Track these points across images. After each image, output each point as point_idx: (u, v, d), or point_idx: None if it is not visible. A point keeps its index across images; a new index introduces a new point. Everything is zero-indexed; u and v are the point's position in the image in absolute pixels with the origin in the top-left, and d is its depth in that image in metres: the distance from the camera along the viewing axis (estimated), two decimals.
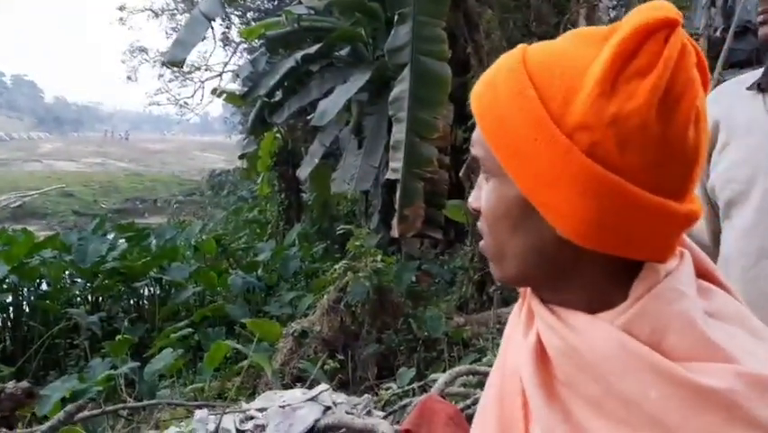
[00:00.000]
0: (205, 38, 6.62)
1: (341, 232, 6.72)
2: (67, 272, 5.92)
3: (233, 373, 3.78)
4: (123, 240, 6.69)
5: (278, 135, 7.83)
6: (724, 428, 0.49)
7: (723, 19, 5.71)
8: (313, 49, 6.19)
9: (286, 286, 6.10)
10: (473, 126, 0.60)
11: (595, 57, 0.53)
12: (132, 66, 20.60)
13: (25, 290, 5.50)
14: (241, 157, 8.62)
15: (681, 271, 0.56)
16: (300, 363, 3.75)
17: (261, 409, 2.51)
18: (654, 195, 0.51)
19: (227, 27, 16.86)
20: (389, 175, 4.89)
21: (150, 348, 4.42)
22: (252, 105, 7.02)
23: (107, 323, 5.39)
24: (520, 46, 0.59)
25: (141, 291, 6.04)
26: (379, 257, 4.28)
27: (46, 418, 3.12)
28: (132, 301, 5.97)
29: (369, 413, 2.53)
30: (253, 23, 11.71)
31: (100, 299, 5.88)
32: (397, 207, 4.85)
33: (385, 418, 2.55)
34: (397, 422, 2.41)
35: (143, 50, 20.51)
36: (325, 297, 4.26)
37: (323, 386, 2.67)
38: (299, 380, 3.61)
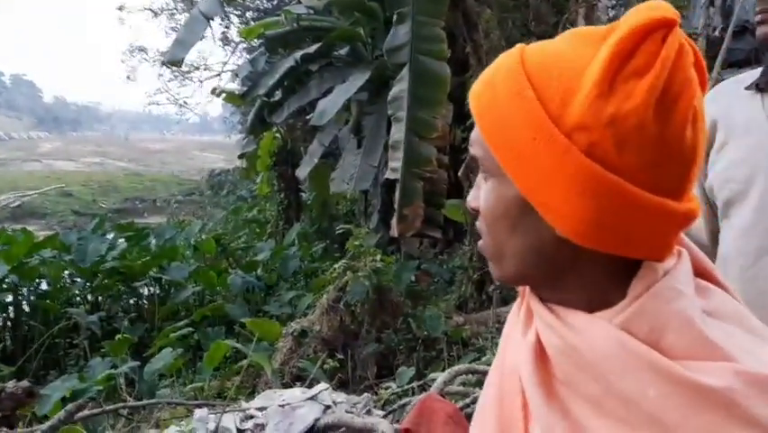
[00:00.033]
0: (203, 37, 6.62)
1: (340, 231, 6.72)
2: (66, 272, 5.92)
3: (233, 372, 3.79)
4: (123, 240, 6.70)
5: (277, 135, 7.83)
6: (723, 426, 0.49)
7: (722, 18, 5.72)
8: (312, 48, 6.19)
9: (285, 285, 6.10)
10: (472, 126, 0.61)
11: (593, 57, 0.53)
12: (131, 66, 20.61)
13: (25, 289, 5.50)
14: (240, 157, 8.62)
15: (678, 270, 0.56)
16: (300, 363, 3.75)
17: (261, 409, 2.51)
18: (653, 194, 0.52)
19: (226, 27, 16.86)
20: (389, 175, 4.89)
21: (149, 348, 4.42)
22: (252, 104, 7.01)
23: (107, 322, 5.39)
24: (518, 46, 0.60)
25: (141, 291, 6.04)
26: (378, 257, 4.29)
27: (46, 417, 3.12)
28: (131, 301, 5.97)
29: (368, 412, 2.53)
30: (252, 23, 11.71)
31: (100, 298, 5.88)
32: (396, 206, 4.85)
33: (385, 417, 2.56)
34: (397, 421, 2.41)
35: (143, 49, 20.51)
36: (325, 296, 4.26)
37: (322, 385, 2.67)
38: (299, 379, 3.61)
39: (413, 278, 4.99)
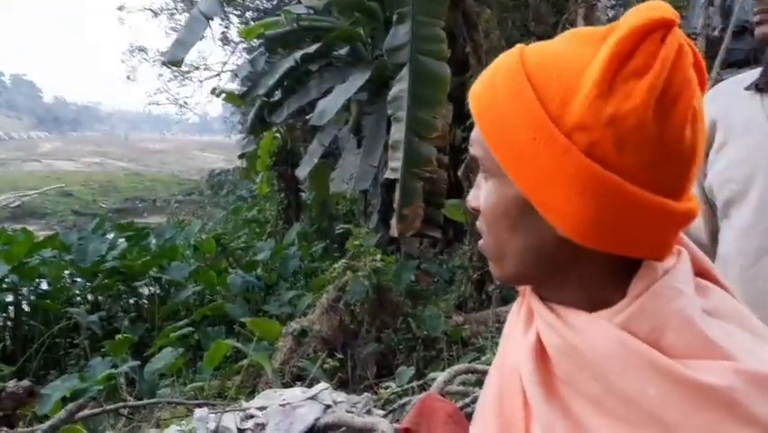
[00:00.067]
0: (203, 37, 6.62)
1: (340, 231, 6.73)
2: (66, 272, 5.92)
3: (233, 371, 3.79)
4: (123, 239, 6.70)
5: (277, 135, 7.84)
6: (723, 425, 0.49)
7: (721, 18, 5.72)
8: (312, 48, 6.19)
9: (285, 285, 6.10)
10: (472, 126, 0.61)
11: (592, 57, 0.53)
12: (131, 66, 20.62)
13: (25, 289, 5.50)
14: (240, 156, 8.62)
15: (678, 269, 0.56)
16: (300, 362, 3.76)
17: (262, 408, 2.52)
18: (653, 194, 0.52)
19: (226, 27, 16.87)
20: (388, 174, 4.90)
21: (150, 347, 4.43)
22: (252, 104, 7.02)
23: (107, 322, 5.39)
24: (518, 46, 0.60)
25: (141, 291, 6.04)
26: (378, 256, 4.29)
27: (46, 417, 3.13)
28: (131, 301, 5.97)
29: (369, 412, 2.54)
30: (252, 23, 11.71)
31: (100, 298, 5.88)
32: (396, 206, 4.85)
33: (385, 416, 2.56)
34: (397, 421, 2.41)
35: (143, 49, 20.52)
36: (325, 296, 4.27)
37: (323, 385, 2.67)
38: (299, 378, 3.62)
39: (413, 278, 5.00)
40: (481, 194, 0.61)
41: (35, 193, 17.41)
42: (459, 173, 5.34)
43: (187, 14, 13.31)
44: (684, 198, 0.55)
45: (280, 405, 2.46)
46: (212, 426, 2.38)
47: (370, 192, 6.31)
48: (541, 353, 0.58)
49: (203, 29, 6.32)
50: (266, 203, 9.75)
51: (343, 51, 6.54)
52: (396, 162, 4.78)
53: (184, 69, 16.53)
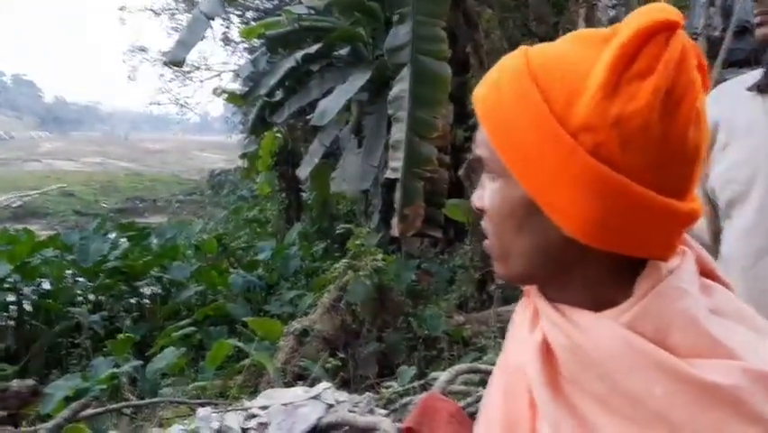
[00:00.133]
0: (204, 37, 6.62)
1: (341, 231, 6.73)
2: (69, 272, 5.93)
3: (235, 371, 3.79)
4: (125, 239, 6.71)
5: (278, 135, 7.84)
6: (729, 423, 0.49)
7: (722, 19, 5.72)
8: (313, 48, 6.19)
9: (286, 285, 6.11)
10: (473, 126, 0.61)
11: (596, 59, 0.53)
12: (132, 66, 20.64)
13: (27, 289, 5.51)
14: (242, 156, 8.63)
15: (683, 269, 0.57)
16: (301, 362, 3.76)
17: (264, 408, 2.52)
18: (658, 194, 0.52)
19: (227, 27, 16.88)
20: (389, 174, 4.90)
21: (151, 347, 4.43)
22: (253, 104, 7.02)
23: (109, 322, 5.40)
24: (521, 48, 0.60)
25: (143, 291, 6.05)
26: (379, 256, 4.30)
27: (49, 416, 3.13)
28: (133, 300, 5.98)
29: (371, 411, 2.54)
30: (253, 23, 11.72)
31: (102, 298, 5.89)
32: (397, 206, 4.86)
33: (387, 416, 2.57)
34: (399, 420, 2.42)
35: (143, 49, 20.54)
36: (326, 295, 4.27)
37: (325, 384, 2.68)
38: (300, 378, 3.62)
39: (414, 277, 5.00)
40: (486, 194, 0.61)
41: (37, 193, 17.41)
42: (460, 173, 5.34)
43: (188, 15, 13.32)
44: (688, 198, 0.55)
45: (283, 404, 2.47)
46: (215, 425, 2.39)
47: (371, 192, 6.31)
48: (547, 352, 0.59)
49: (204, 29, 6.33)
50: (267, 203, 9.76)
51: (344, 52, 6.54)
52: (396, 162, 4.79)
53: (185, 69, 16.55)
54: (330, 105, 5.68)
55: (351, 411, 2.46)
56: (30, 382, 2.96)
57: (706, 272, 0.61)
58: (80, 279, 5.96)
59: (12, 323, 5.18)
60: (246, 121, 8.97)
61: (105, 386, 3.46)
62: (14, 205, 15.62)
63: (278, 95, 6.58)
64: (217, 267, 6.24)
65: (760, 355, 0.53)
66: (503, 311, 4.15)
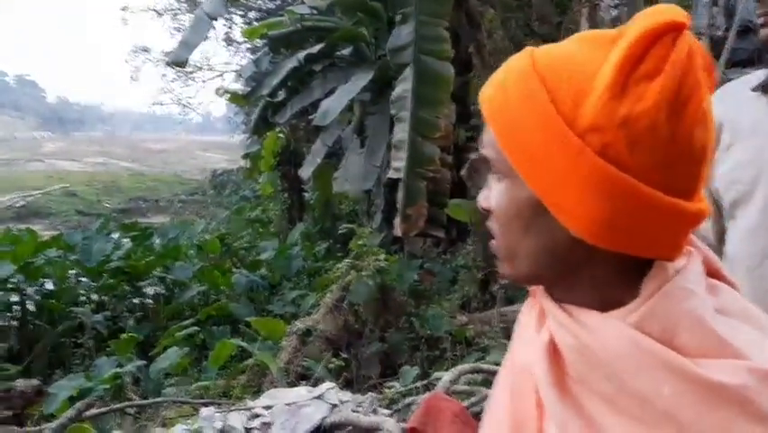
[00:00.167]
0: (207, 38, 6.63)
1: (343, 231, 6.74)
2: (72, 272, 5.94)
3: (238, 371, 3.80)
4: (128, 239, 6.72)
5: (280, 135, 7.85)
6: (737, 423, 0.50)
7: (725, 18, 5.71)
8: (315, 48, 6.20)
9: (289, 285, 6.12)
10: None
11: (603, 60, 0.54)
12: (134, 66, 20.69)
13: (30, 289, 5.52)
14: (244, 157, 8.64)
15: (689, 269, 0.57)
16: (304, 362, 3.77)
17: (267, 407, 2.53)
18: (665, 194, 0.52)
19: (229, 27, 16.90)
20: (392, 174, 4.91)
21: (154, 347, 4.44)
22: (255, 104, 7.03)
23: (112, 322, 5.41)
24: (527, 49, 0.60)
25: (146, 291, 6.06)
26: (381, 256, 4.29)
27: (53, 416, 3.14)
28: (136, 300, 5.99)
29: (374, 411, 2.54)
30: (255, 23, 11.73)
31: (104, 298, 5.90)
32: (399, 206, 4.86)
33: (390, 416, 2.57)
34: (403, 420, 2.42)
35: (146, 50, 20.58)
36: (328, 295, 4.27)
37: (329, 384, 2.68)
38: (303, 378, 3.62)
39: (416, 277, 5.00)
40: (493, 195, 0.61)
41: (40, 193, 17.45)
42: (462, 173, 5.34)
43: (190, 15, 13.34)
44: (695, 199, 0.55)
45: (286, 404, 2.47)
46: (218, 425, 2.39)
47: (374, 192, 6.32)
48: (553, 352, 0.59)
49: (207, 29, 6.34)
50: (269, 203, 9.77)
51: (347, 52, 6.55)
52: (399, 162, 4.79)
53: (188, 69, 16.59)
54: (332, 106, 5.69)
55: (354, 411, 2.47)
56: (34, 381, 2.96)
57: (712, 272, 0.61)
58: (83, 279, 5.97)
59: (15, 323, 5.19)
60: (248, 121, 8.98)
61: (108, 386, 3.46)
62: (17, 205, 15.65)
63: (281, 95, 6.59)
64: (220, 267, 6.25)
65: (766, 355, 0.53)
66: (506, 311, 4.15)
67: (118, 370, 3.69)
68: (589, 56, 0.55)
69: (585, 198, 0.53)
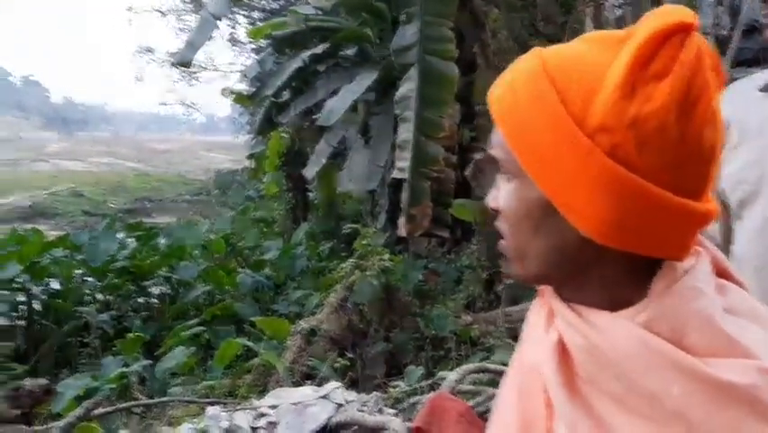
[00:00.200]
0: (211, 38, 6.65)
1: (347, 231, 6.74)
2: (78, 271, 5.96)
3: (244, 370, 3.81)
4: (133, 239, 6.74)
5: (284, 135, 7.86)
6: (746, 422, 0.50)
7: (729, 18, 5.69)
8: (320, 49, 6.20)
9: (293, 285, 6.12)
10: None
11: (612, 61, 0.54)
12: (139, 66, 20.77)
13: (36, 288, 5.55)
14: (249, 157, 8.66)
15: (698, 269, 0.57)
16: (309, 361, 3.77)
17: (273, 407, 2.53)
18: (674, 195, 0.53)
19: (233, 27, 16.94)
20: (396, 174, 4.91)
21: (160, 346, 4.45)
22: (260, 105, 7.04)
23: (118, 321, 5.42)
24: (535, 49, 0.61)
25: (151, 290, 6.08)
26: (386, 256, 4.29)
27: (60, 415, 3.15)
28: (141, 300, 6.01)
29: (380, 411, 2.55)
30: (259, 23, 11.75)
31: (110, 297, 5.92)
32: (403, 206, 4.86)
33: (395, 415, 2.57)
34: (409, 420, 2.43)
35: (150, 50, 20.64)
36: (333, 295, 4.28)
37: (334, 384, 2.69)
38: (308, 377, 3.63)
39: (421, 277, 5.00)
40: (502, 195, 0.62)
41: (46, 193, 17.51)
42: (466, 173, 5.34)
43: (195, 15, 13.36)
44: (704, 199, 0.56)
45: (292, 404, 2.48)
46: (224, 424, 2.40)
47: (378, 192, 6.32)
48: (562, 352, 0.59)
49: (212, 30, 6.35)
50: (274, 203, 9.78)
51: (351, 52, 6.55)
52: (403, 162, 4.79)
53: (192, 69, 16.63)
54: (337, 106, 5.69)
55: (360, 411, 2.47)
56: (42, 381, 2.98)
57: (720, 272, 0.61)
58: (89, 278, 5.99)
59: (21, 322, 5.21)
60: (253, 121, 9.00)
61: (114, 385, 3.48)
62: (23, 205, 15.71)
63: (285, 95, 6.59)
64: (225, 267, 6.26)
65: None
66: (511, 311, 4.15)
67: (124, 369, 3.71)
68: (598, 57, 0.55)
69: (594, 198, 0.53)
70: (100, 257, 5.84)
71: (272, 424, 2.40)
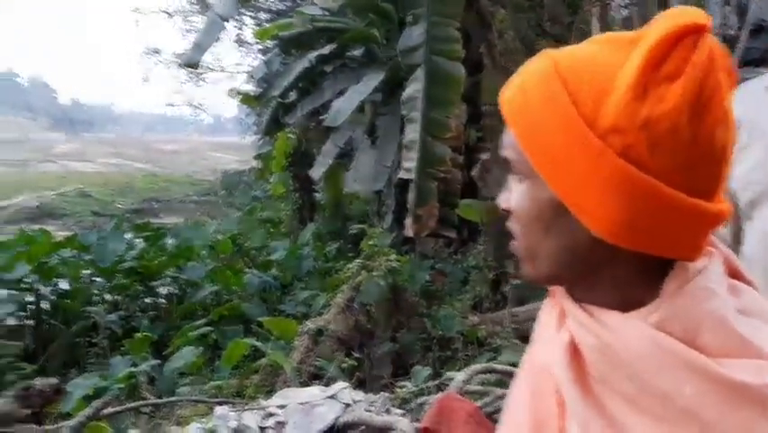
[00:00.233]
0: (218, 39, 6.66)
1: (354, 231, 6.75)
2: (86, 271, 5.99)
3: (251, 370, 3.82)
4: (141, 240, 6.76)
5: (291, 136, 7.88)
6: (759, 423, 0.50)
7: (737, 17, 5.66)
8: (326, 49, 6.22)
9: (300, 285, 6.14)
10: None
11: (623, 62, 0.54)
12: (146, 67, 20.87)
13: (45, 289, 5.58)
14: (256, 157, 8.69)
15: (710, 269, 0.57)
16: (317, 361, 3.78)
17: (281, 407, 2.54)
18: (687, 195, 0.53)
19: (240, 28, 16.99)
20: (403, 175, 4.91)
21: (168, 346, 4.47)
22: (267, 105, 7.06)
23: (126, 321, 5.45)
24: (545, 51, 0.61)
25: (159, 290, 6.10)
26: (392, 256, 4.30)
27: (69, 414, 3.17)
28: (149, 300, 6.04)
29: (387, 411, 2.55)
30: (266, 24, 11.78)
31: (118, 297, 5.94)
32: (410, 206, 4.86)
33: (403, 415, 2.57)
34: (416, 420, 2.43)
35: (157, 51, 20.73)
36: (340, 296, 4.28)
37: (342, 384, 2.70)
38: (316, 378, 3.64)
39: (427, 278, 5.00)
40: (513, 196, 0.62)
41: (54, 194, 17.60)
42: (473, 173, 5.34)
43: (202, 17, 13.41)
44: (716, 199, 0.56)
45: (300, 404, 2.49)
46: (233, 424, 2.41)
47: (385, 192, 6.32)
48: (574, 352, 0.59)
49: (219, 31, 6.37)
50: (281, 203, 9.80)
51: (358, 52, 6.56)
52: (410, 163, 4.80)
53: (199, 70, 16.69)
54: (343, 106, 5.70)
55: (367, 411, 2.48)
56: (53, 380, 3.00)
57: (732, 273, 0.61)
58: (97, 279, 6.02)
59: (30, 322, 5.24)
60: (260, 122, 9.02)
61: (123, 385, 3.49)
62: (31, 206, 15.80)
63: (292, 96, 6.61)
64: (232, 267, 6.27)
65: None
66: (517, 311, 4.14)
67: (133, 369, 3.72)
68: (609, 58, 0.56)
69: (606, 198, 0.53)
70: (108, 257, 5.87)
71: (280, 424, 2.40)
